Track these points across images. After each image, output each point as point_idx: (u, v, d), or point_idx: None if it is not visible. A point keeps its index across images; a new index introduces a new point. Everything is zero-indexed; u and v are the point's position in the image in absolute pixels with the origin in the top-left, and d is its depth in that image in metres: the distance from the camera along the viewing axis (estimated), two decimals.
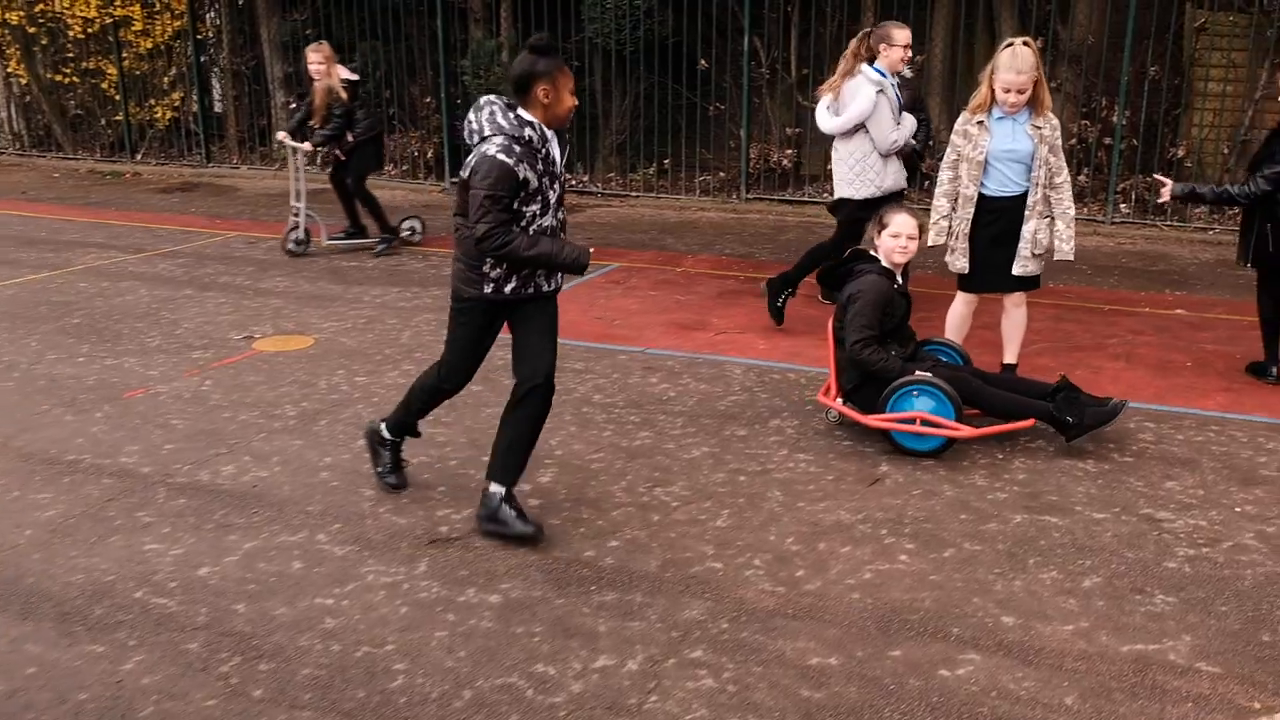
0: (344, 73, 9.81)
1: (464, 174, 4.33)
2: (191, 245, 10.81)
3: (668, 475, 5.35)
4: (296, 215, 10.11)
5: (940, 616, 4.08)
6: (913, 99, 7.90)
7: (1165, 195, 6.62)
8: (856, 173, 7.48)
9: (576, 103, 4.40)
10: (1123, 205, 11.57)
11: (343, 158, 9.92)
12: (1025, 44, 5.85)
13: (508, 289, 4.50)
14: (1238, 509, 4.99)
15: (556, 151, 4.45)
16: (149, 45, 15.91)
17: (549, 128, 4.37)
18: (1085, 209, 11.66)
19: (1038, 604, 4.17)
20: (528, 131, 4.29)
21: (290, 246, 10.11)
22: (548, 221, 4.46)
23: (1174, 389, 6.54)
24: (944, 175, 6.17)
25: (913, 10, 11.58)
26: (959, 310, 6.39)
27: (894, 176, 7.50)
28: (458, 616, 4.09)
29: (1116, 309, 8.36)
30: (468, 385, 4.88)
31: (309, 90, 9.91)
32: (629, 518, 4.90)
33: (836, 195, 7.67)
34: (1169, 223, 11.22)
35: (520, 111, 4.32)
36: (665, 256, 10.26)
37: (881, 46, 7.37)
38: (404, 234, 10.45)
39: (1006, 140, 5.98)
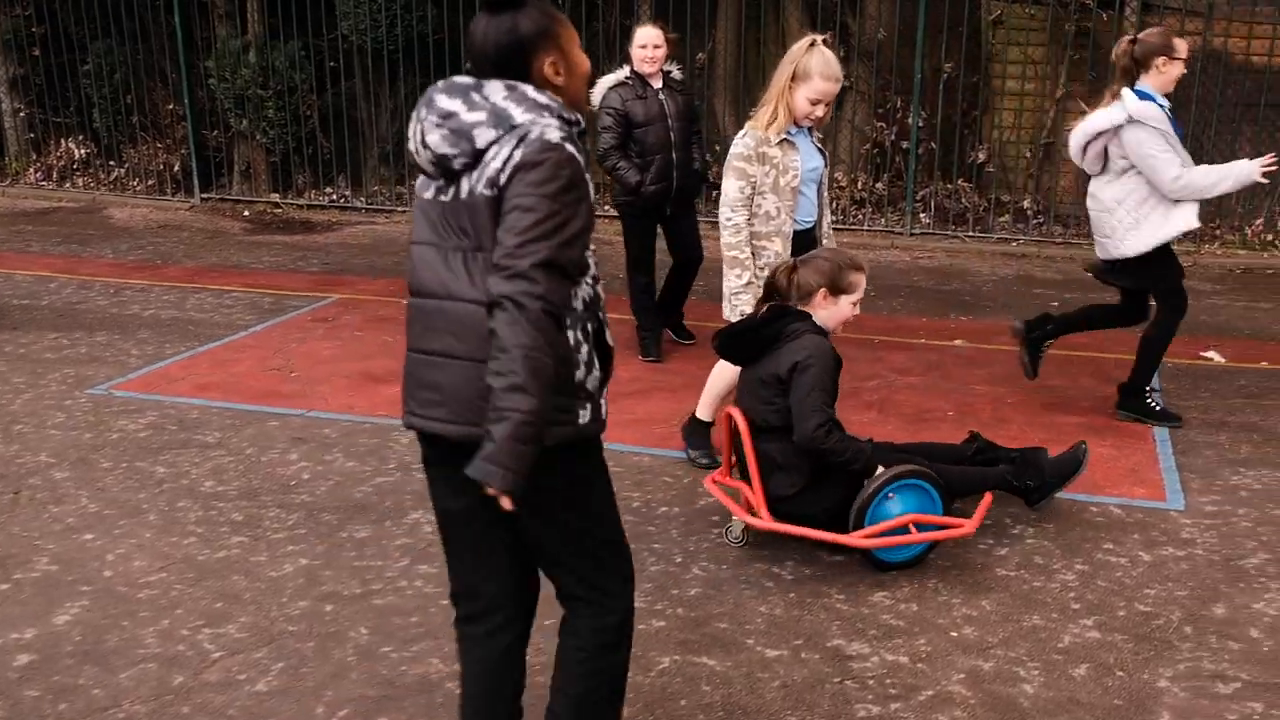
0: None
1: (478, 188, 2.43)
2: None
3: (232, 607, 4.04)
4: None
5: None
6: (686, 107, 6.66)
7: None
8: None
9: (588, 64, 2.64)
10: (922, 215, 10.56)
11: None
12: (826, 43, 4.75)
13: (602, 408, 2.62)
14: (954, 633, 3.85)
15: None
16: None
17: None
18: (883, 219, 10.65)
19: None
20: (576, 118, 2.54)
21: None
22: (599, 289, 2.63)
23: None
24: (738, 218, 4.74)
25: (689, 3, 10.44)
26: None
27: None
28: None
29: (889, 341, 7.27)
30: None
31: None
32: (139, 682, 3.57)
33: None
34: (970, 234, 10.25)
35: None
36: (398, 285, 8.91)
37: (1160, 61, 5.51)
38: None
39: (810, 158, 4.86)
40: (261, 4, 11.93)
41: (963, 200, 10.48)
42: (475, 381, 2.41)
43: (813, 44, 4.69)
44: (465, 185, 2.44)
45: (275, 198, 12.18)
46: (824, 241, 5.08)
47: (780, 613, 3.98)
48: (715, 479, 4.63)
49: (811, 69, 4.63)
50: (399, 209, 11.88)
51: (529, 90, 2.46)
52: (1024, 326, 5.97)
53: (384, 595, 4.13)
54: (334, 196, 12.20)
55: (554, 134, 2.39)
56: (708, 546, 4.49)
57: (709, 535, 4.58)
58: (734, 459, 4.51)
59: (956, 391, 6.30)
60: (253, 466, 5.28)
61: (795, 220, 4.85)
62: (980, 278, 9.15)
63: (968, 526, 4.26)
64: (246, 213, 11.96)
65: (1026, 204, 10.35)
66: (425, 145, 2.48)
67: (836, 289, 4.28)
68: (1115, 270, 5.67)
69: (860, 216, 10.71)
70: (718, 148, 11.19)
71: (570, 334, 2.48)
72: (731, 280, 4.81)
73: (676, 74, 6.67)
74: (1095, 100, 5.72)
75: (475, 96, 2.46)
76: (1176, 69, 5.51)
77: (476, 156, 2.42)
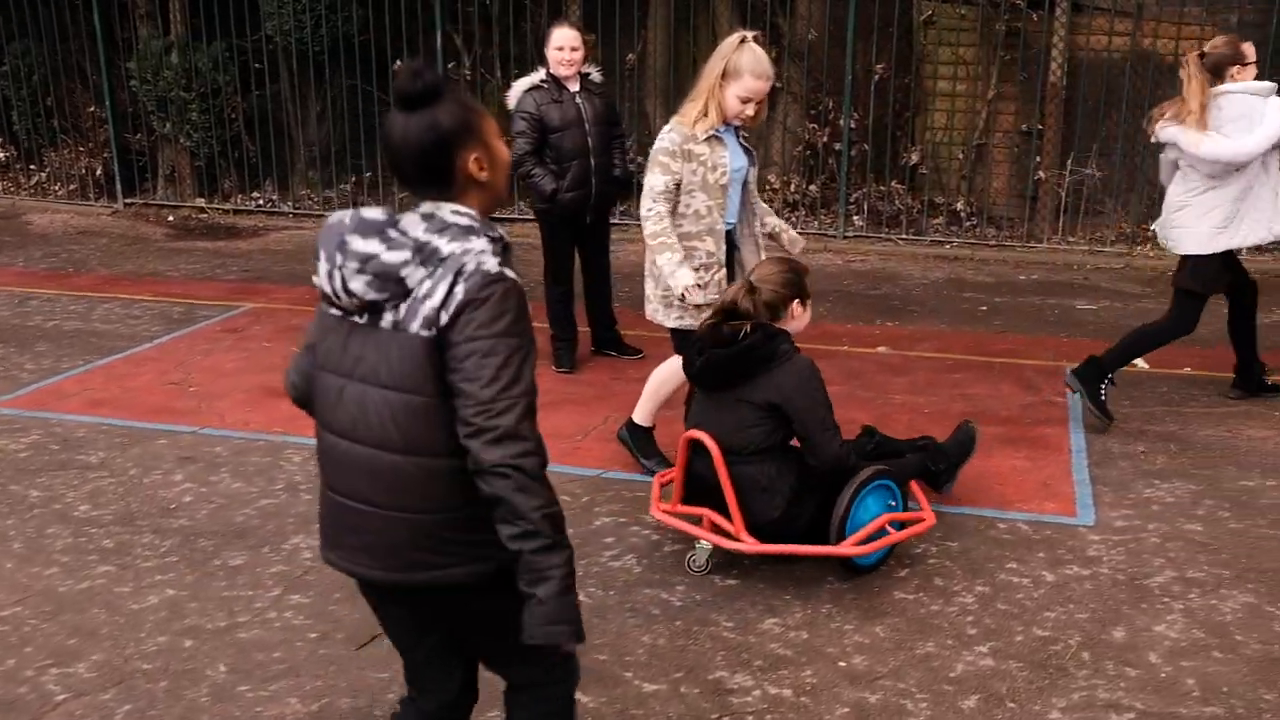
0: None
1: (411, 326, 2.26)
2: None
3: (85, 643, 3.82)
4: None
5: None
6: (605, 111, 6.45)
7: None
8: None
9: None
10: (856, 217, 10.42)
11: None
12: (757, 40, 4.60)
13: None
14: (843, 663, 3.69)
15: None
16: None
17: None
18: (816, 222, 10.51)
19: None
20: (500, 235, 2.37)
21: None
22: None
23: None
24: (660, 207, 4.57)
25: (618, 3, 10.25)
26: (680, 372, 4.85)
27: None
28: None
29: (811, 348, 7.00)
30: None
31: None
32: None
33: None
34: (904, 236, 10.12)
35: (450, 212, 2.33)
36: (315, 293, 8.65)
37: (1234, 70, 5.44)
38: None
39: (736, 157, 4.72)
40: (183, 4, 11.64)
41: (896, 202, 10.35)
42: (401, 530, 2.34)
43: (743, 41, 4.53)
44: (389, 317, 2.29)
45: (201, 202, 11.88)
46: (759, 243, 4.94)
47: (664, 643, 3.80)
48: (667, 509, 4.35)
49: (742, 67, 4.49)
50: (326, 213, 11.59)
51: (447, 214, 2.30)
52: (1074, 375, 5.77)
53: (249, 628, 3.91)
54: (260, 201, 11.93)
55: (490, 263, 2.25)
56: (598, 571, 4.30)
57: (600, 559, 4.39)
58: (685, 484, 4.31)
59: (874, 401, 6.15)
60: (133, 489, 5.05)
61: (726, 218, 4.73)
62: (911, 281, 9.01)
63: (930, 517, 4.32)
64: (171, 218, 11.66)
65: (960, 206, 10.22)
66: (349, 293, 2.28)
67: (805, 296, 4.21)
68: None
69: (794, 219, 10.55)
70: (649, 150, 11.03)
71: None
72: (663, 262, 4.56)
73: (595, 76, 6.47)
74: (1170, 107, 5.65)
75: (393, 234, 2.27)
76: (1250, 73, 5.48)
77: (407, 294, 2.26)
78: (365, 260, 2.26)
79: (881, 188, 10.40)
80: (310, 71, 11.42)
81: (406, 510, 2.32)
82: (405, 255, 2.24)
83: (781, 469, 4.09)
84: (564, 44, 6.23)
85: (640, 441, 5.18)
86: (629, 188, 7.77)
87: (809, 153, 10.54)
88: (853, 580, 4.18)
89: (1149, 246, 9.69)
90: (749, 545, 4.04)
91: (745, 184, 4.84)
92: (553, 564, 2.25)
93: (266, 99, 11.75)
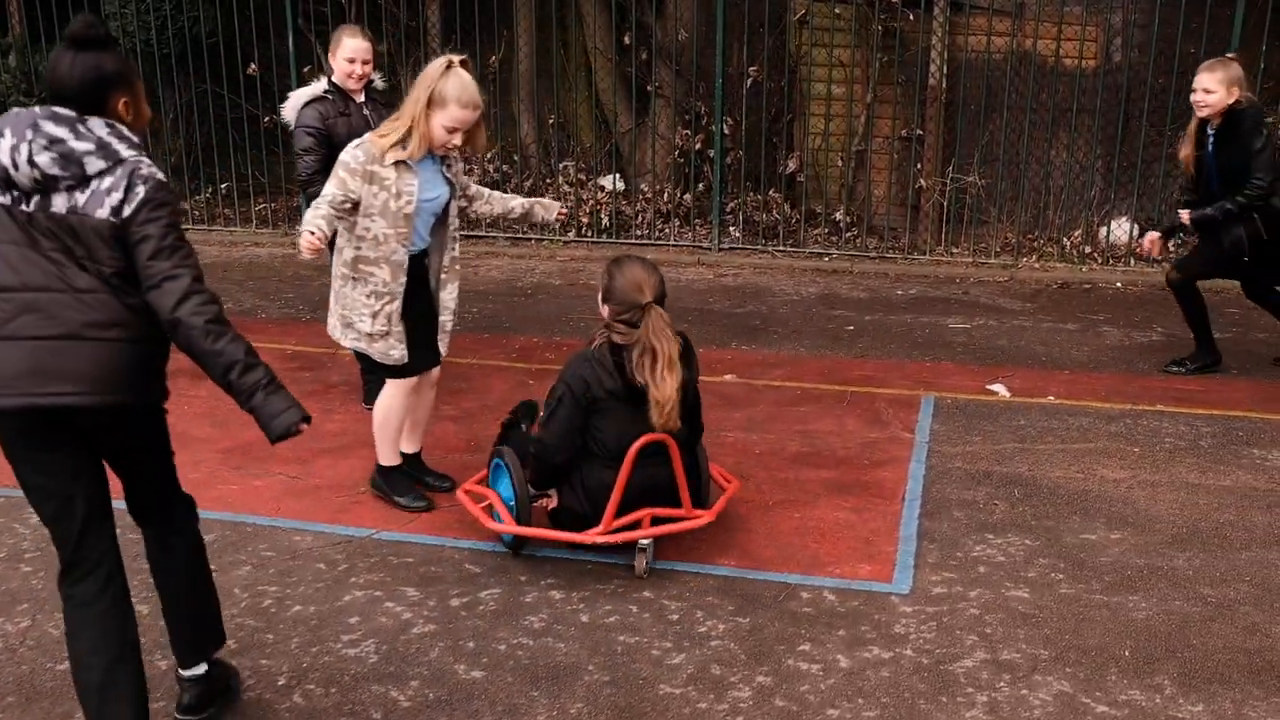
0: None
1: (95, 212, 2.84)
2: None
3: None
4: None
5: None
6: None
7: (1153, 247, 6.44)
8: None
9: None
10: (732, 228, 9.87)
11: None
12: (465, 65, 4.34)
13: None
14: None
15: None
16: None
17: None
18: (691, 234, 9.95)
19: None
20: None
21: None
22: None
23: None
24: (324, 208, 4.27)
25: (478, 2, 9.64)
26: (406, 402, 4.69)
27: None
28: None
29: None
30: None
31: None
32: None
33: None
34: (781, 248, 9.58)
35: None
36: None
37: None
38: None
39: (432, 187, 4.47)
40: (20, 3, 10.88)
41: (774, 212, 9.81)
42: (100, 356, 2.84)
43: (449, 66, 4.27)
44: (61, 202, 2.82)
45: None
46: (444, 279, 4.64)
47: None
48: (599, 532, 4.17)
49: (448, 95, 4.25)
50: (183, 226, 10.87)
51: (124, 130, 2.91)
52: None
53: None
54: None
55: (159, 173, 2.89)
56: (326, 662, 3.69)
57: (333, 646, 3.79)
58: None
59: (705, 441, 5.56)
60: None
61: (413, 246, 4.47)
62: (780, 298, 8.47)
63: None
64: None
65: (840, 216, 9.70)
66: (32, 164, 2.78)
67: (605, 297, 4.23)
68: None
69: (666, 231, 9.99)
70: (516, 158, 10.43)
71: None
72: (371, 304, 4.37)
73: (379, 84, 5.88)
74: None
75: (80, 128, 2.84)
76: None
77: (83, 181, 2.82)
78: (54, 141, 2.80)
79: (758, 197, 9.86)
80: (159, 76, 10.70)
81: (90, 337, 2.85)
82: (89, 146, 2.82)
83: None
84: (356, 56, 5.66)
85: (393, 481, 4.82)
86: None
87: (682, 160, 9.97)
88: (622, 669, 3.61)
89: (1035, 257, 9.25)
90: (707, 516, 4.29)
91: (444, 216, 4.56)
92: (255, 379, 2.88)
93: None
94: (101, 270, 2.83)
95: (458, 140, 4.35)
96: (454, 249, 4.65)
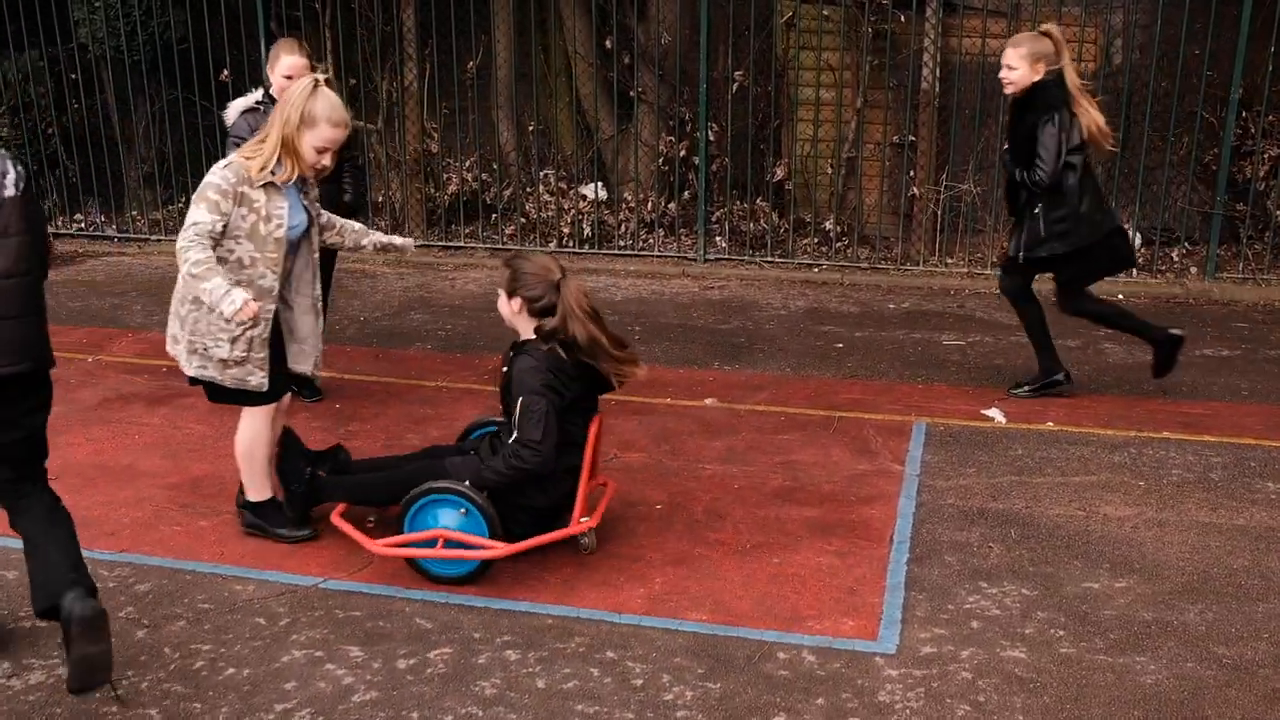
0: None
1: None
2: None
3: None
4: None
5: None
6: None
7: None
8: None
9: None
10: (719, 238, 9.53)
11: None
12: (330, 84, 4.31)
13: None
14: None
15: None
16: None
17: None
18: (676, 244, 9.61)
19: None
20: None
21: None
22: None
23: (608, 573, 4.35)
24: (204, 246, 4.01)
25: (454, 5, 9.30)
26: (267, 433, 4.51)
27: None
28: None
29: (628, 401, 6.17)
30: None
31: None
32: None
33: None
34: (769, 259, 9.25)
35: None
36: (101, 335, 7.64)
37: None
38: None
39: (296, 212, 4.36)
40: None
41: (761, 222, 9.47)
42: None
43: (316, 85, 4.20)
44: None
45: None
46: (317, 308, 4.53)
47: None
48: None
49: (318, 114, 4.17)
50: (153, 237, 10.58)
51: None
52: None
53: None
54: (83, 224, 10.85)
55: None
56: None
57: (264, 717, 3.44)
58: None
59: (680, 473, 5.25)
60: None
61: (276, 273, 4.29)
62: (767, 313, 8.13)
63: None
64: None
65: (829, 225, 9.36)
66: None
67: (510, 290, 4.23)
68: None
69: (650, 242, 9.65)
70: (495, 165, 10.09)
71: None
72: (211, 288, 3.89)
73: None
74: None
75: None
76: None
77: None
78: None
79: (745, 205, 9.52)
80: (131, 83, 10.36)
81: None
82: None
83: None
84: (292, 72, 5.60)
85: (267, 516, 4.61)
86: (362, 212, 7.11)
87: (666, 168, 9.63)
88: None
89: None
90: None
91: (304, 244, 4.43)
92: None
93: (84, 112, 10.69)
94: None
95: (327, 160, 4.26)
96: (316, 287, 4.49)
